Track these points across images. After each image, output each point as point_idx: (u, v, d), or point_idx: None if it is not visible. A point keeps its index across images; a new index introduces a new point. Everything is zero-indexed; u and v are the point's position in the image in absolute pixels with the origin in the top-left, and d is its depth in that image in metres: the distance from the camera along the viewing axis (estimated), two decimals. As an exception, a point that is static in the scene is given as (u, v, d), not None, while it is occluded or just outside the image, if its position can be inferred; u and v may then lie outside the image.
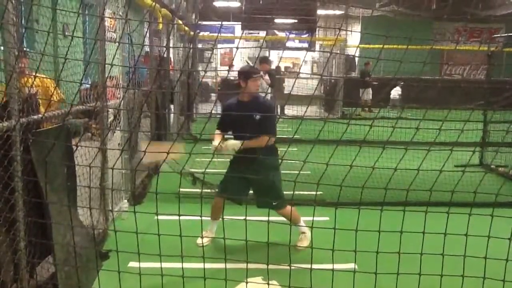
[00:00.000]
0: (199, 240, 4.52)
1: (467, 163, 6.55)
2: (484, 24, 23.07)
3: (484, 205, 3.04)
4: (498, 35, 17.94)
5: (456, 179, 2.85)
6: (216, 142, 4.29)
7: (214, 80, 17.98)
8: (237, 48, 2.44)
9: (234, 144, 4.28)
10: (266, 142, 4.14)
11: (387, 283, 2.72)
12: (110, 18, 4.76)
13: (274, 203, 4.35)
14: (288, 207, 4.45)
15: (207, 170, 2.67)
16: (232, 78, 10.83)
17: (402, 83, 17.75)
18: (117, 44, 5.23)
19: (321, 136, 6.11)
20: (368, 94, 17.69)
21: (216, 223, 4.72)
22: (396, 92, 18.26)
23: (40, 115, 3.18)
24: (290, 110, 15.00)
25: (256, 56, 10.46)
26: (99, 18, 4.30)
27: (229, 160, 4.64)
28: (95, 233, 4.31)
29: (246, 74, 4.43)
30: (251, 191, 4.66)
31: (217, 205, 4.62)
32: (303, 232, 4.61)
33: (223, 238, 2.56)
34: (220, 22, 19.52)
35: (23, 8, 3.14)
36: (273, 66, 15.07)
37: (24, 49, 3.94)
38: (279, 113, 15.48)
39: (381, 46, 2.95)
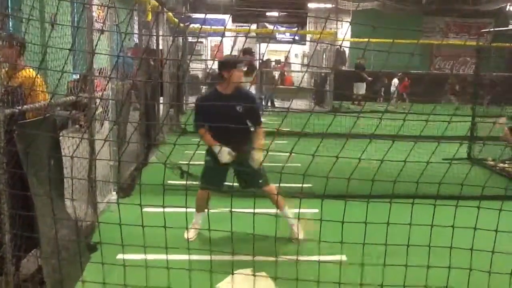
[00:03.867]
0: (186, 235, 4.49)
1: (454, 156, 6.59)
2: (473, 19, 23.22)
3: (471, 198, 3.06)
4: (487, 29, 18.04)
5: (444, 172, 2.87)
6: (225, 149, 4.25)
7: (204, 73, 17.93)
8: (222, 37, 2.41)
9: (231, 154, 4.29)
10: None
11: (376, 274, 2.73)
12: (95, 5, 4.69)
13: (260, 181, 4.42)
14: (273, 185, 4.48)
15: (196, 162, 2.65)
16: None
17: (399, 75, 17.80)
18: (104, 35, 5.17)
19: (312, 129, 6.14)
20: (362, 88, 17.73)
21: (202, 215, 4.70)
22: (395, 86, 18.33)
23: (25, 106, 3.13)
24: (280, 103, 15.00)
25: (245, 48, 10.39)
26: (85, 6, 4.24)
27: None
28: (83, 226, 4.28)
29: (230, 64, 4.35)
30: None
31: (201, 197, 4.60)
32: (293, 224, 4.59)
33: (208, 230, 2.55)
34: (210, 15, 19.45)
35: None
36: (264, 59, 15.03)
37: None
38: (269, 106, 15.50)
39: (372, 39, 2.95)
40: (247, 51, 9.39)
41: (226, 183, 4.62)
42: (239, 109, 4.32)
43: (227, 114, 4.20)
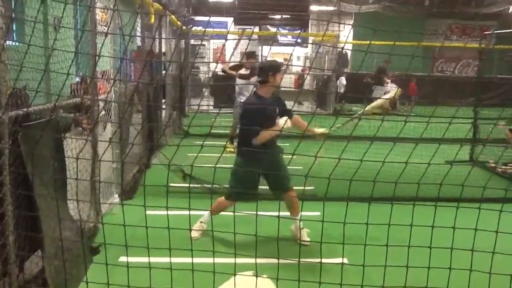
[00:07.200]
0: (192, 233, 4.52)
1: (454, 158, 6.60)
2: (476, 22, 23.21)
3: (471, 200, 3.07)
4: (489, 32, 18.04)
5: (445, 174, 2.88)
6: (282, 121, 4.43)
7: (207, 76, 17.98)
8: (226, 40, 2.43)
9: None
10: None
11: (377, 276, 2.74)
12: (99, 8, 4.73)
13: (287, 184, 4.52)
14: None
15: (198, 165, 2.67)
16: (221, 73, 10.75)
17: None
18: (108, 38, 5.20)
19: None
20: (381, 92, 17.72)
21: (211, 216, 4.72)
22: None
23: (29, 109, 3.16)
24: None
25: (249, 51, 10.43)
26: (89, 9, 4.27)
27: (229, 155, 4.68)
28: (86, 228, 4.30)
29: (275, 68, 4.45)
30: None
31: (226, 206, 4.54)
32: (302, 228, 4.63)
33: (212, 231, 2.57)
34: (213, 17, 19.49)
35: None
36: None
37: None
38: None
39: (374, 42, 2.96)
40: (251, 55, 9.42)
41: (256, 189, 4.62)
42: (277, 111, 4.47)
43: (269, 117, 4.40)
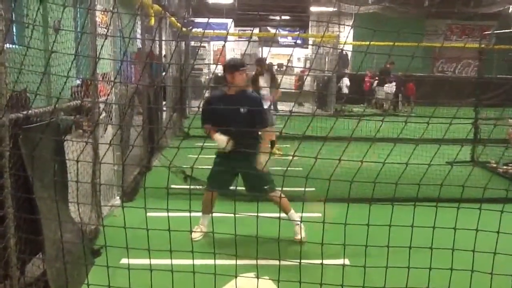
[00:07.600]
0: (193, 235, 4.54)
1: (455, 158, 6.59)
2: (476, 22, 23.21)
3: (472, 200, 3.06)
4: (489, 31, 18.04)
5: (446, 175, 2.87)
6: (223, 137, 4.34)
7: (207, 77, 17.99)
8: (225, 41, 2.44)
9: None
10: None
11: (379, 277, 2.73)
12: (98, 10, 4.74)
13: (265, 187, 4.49)
14: (278, 192, 4.50)
15: (199, 166, 2.67)
16: (221, 74, 10.74)
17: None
18: (108, 40, 5.20)
19: (314, 133, 6.10)
20: (382, 93, 17.74)
21: (208, 217, 4.74)
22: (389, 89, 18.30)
23: (29, 111, 3.15)
24: (283, 106, 14.99)
25: (249, 53, 10.43)
26: (88, 11, 4.28)
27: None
28: (87, 230, 4.30)
29: (232, 66, 4.49)
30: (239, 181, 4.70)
31: (207, 199, 4.67)
32: (297, 224, 4.62)
33: (212, 233, 2.56)
34: (213, 19, 19.52)
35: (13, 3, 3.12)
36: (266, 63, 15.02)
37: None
38: (272, 109, 15.52)
39: (374, 42, 2.96)
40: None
41: (231, 187, 4.68)
42: (243, 110, 4.40)
43: (230, 115, 4.41)
